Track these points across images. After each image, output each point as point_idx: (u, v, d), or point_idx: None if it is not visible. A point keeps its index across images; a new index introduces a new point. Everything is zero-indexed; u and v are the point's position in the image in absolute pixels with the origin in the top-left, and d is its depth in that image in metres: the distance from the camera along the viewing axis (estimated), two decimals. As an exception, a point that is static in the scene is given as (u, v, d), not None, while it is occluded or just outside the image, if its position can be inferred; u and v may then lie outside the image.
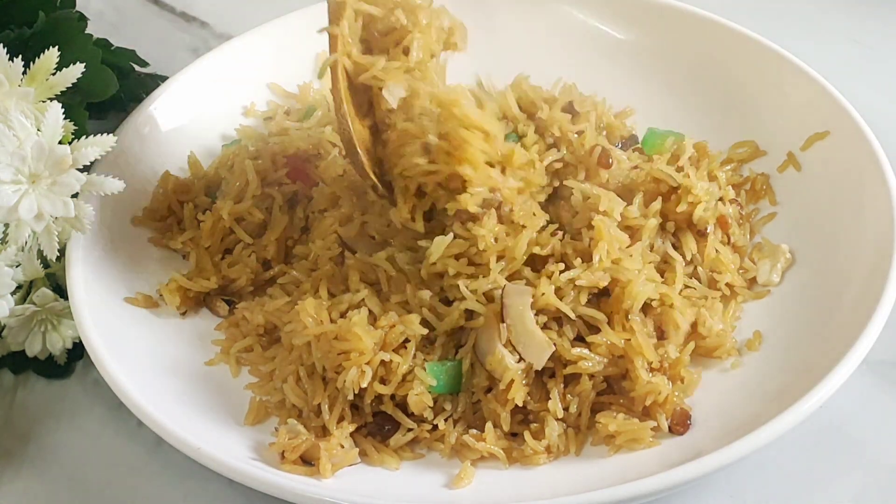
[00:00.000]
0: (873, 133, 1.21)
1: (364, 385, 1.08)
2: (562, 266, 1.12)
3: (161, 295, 1.21)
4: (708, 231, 1.18)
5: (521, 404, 1.08)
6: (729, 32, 1.36)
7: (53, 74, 1.18)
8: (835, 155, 1.24)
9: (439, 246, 1.11)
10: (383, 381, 1.09)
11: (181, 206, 1.26)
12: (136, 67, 1.43)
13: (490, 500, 1.05)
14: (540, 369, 1.09)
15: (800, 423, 1.01)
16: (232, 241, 1.24)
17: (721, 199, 1.21)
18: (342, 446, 1.07)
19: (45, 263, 1.18)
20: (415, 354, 1.10)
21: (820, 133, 1.26)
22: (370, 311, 1.12)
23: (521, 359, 1.09)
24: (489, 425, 1.08)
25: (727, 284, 1.18)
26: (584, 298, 1.11)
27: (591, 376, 1.09)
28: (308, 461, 1.06)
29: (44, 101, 1.17)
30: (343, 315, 1.12)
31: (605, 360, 1.10)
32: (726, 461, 1.00)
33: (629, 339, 1.09)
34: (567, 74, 1.37)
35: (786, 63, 1.31)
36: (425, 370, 1.09)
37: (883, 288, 1.08)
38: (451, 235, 1.11)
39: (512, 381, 1.08)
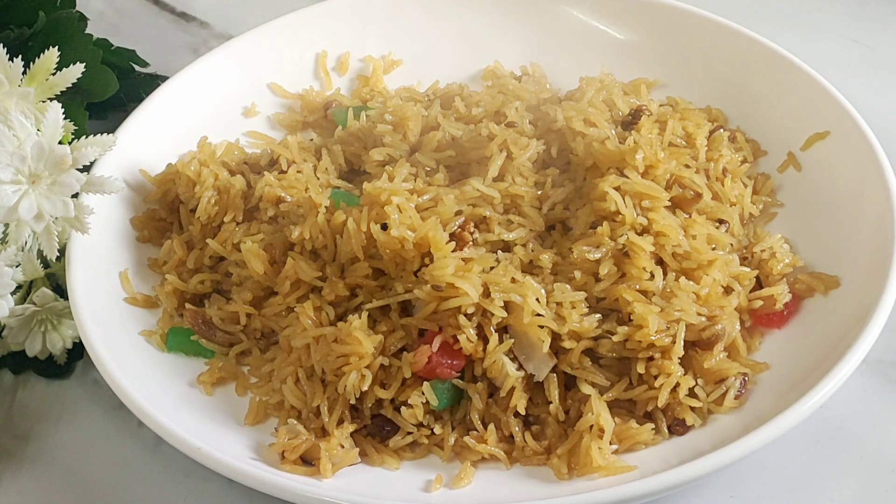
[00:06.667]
0: (873, 133, 1.22)
1: (364, 389, 1.08)
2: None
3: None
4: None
5: (522, 412, 1.08)
6: (729, 32, 1.36)
7: (53, 74, 1.18)
8: (835, 155, 1.24)
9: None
10: (383, 386, 1.09)
11: (178, 209, 1.26)
12: (136, 67, 1.43)
13: (490, 500, 1.05)
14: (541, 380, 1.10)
15: (800, 423, 1.02)
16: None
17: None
18: (342, 446, 1.07)
19: (45, 263, 1.17)
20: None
21: (820, 133, 1.26)
22: (369, 315, 1.12)
23: (521, 366, 1.09)
24: (490, 427, 1.08)
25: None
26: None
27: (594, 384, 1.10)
28: (308, 461, 1.06)
29: (44, 101, 1.17)
30: (342, 318, 1.13)
31: (613, 379, 1.09)
32: (726, 461, 1.00)
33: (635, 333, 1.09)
34: (567, 74, 1.37)
35: (786, 63, 1.31)
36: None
37: (883, 288, 1.08)
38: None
39: (513, 388, 1.08)
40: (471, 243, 1.13)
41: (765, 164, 1.30)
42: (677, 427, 1.08)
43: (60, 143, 1.12)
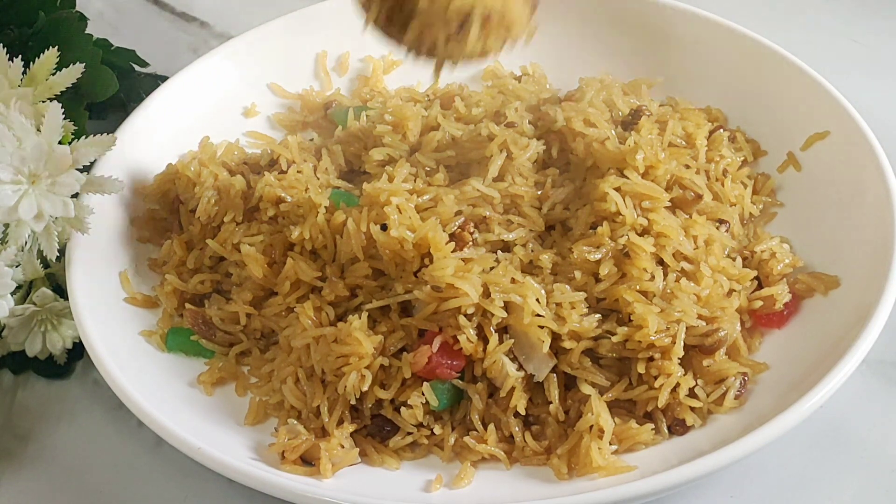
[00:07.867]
0: (873, 133, 1.22)
1: (364, 389, 1.08)
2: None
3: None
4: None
5: (522, 412, 1.08)
6: (729, 32, 1.36)
7: (53, 74, 1.18)
8: (835, 155, 1.24)
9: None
10: (383, 386, 1.09)
11: (178, 209, 1.26)
12: (136, 67, 1.43)
13: (490, 500, 1.05)
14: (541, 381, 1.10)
15: (800, 423, 1.02)
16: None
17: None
18: (342, 446, 1.07)
19: (45, 263, 1.18)
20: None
21: (820, 133, 1.26)
22: (369, 315, 1.12)
23: (521, 366, 1.09)
24: (490, 427, 1.08)
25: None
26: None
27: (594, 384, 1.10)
28: (308, 461, 1.06)
29: (44, 101, 1.17)
30: (342, 318, 1.13)
31: (613, 379, 1.09)
32: (726, 461, 1.00)
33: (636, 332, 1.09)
34: (567, 74, 1.37)
35: (786, 63, 1.31)
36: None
37: (883, 288, 1.08)
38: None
39: (513, 388, 1.08)
40: (471, 243, 1.13)
41: (765, 164, 1.30)
42: (677, 427, 1.08)
43: (60, 143, 1.12)
